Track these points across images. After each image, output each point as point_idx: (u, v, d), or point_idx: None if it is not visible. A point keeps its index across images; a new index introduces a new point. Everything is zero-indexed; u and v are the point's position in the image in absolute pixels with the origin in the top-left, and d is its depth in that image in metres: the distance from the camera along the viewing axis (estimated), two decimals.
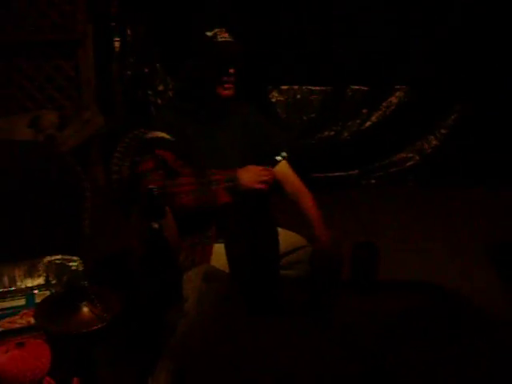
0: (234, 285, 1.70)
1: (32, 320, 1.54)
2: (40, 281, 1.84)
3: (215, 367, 1.40)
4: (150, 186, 1.50)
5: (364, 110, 4.86)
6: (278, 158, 2.64)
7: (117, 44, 4.70)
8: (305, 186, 2.64)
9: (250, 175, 2.30)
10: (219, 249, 2.16)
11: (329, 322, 1.70)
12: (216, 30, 2.44)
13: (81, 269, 1.71)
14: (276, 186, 2.63)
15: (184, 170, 2.26)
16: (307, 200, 2.58)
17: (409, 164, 4.92)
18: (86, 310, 1.23)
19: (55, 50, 4.51)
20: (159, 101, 4.65)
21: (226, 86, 2.46)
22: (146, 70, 4.73)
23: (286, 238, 2.44)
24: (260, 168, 2.34)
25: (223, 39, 2.42)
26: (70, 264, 1.78)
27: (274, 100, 4.83)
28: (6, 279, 1.83)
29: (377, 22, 4.64)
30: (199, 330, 1.49)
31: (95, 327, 1.21)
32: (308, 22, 4.68)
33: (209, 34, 2.44)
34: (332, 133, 4.89)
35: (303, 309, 1.80)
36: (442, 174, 4.81)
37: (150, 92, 4.71)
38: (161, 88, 4.69)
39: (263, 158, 2.61)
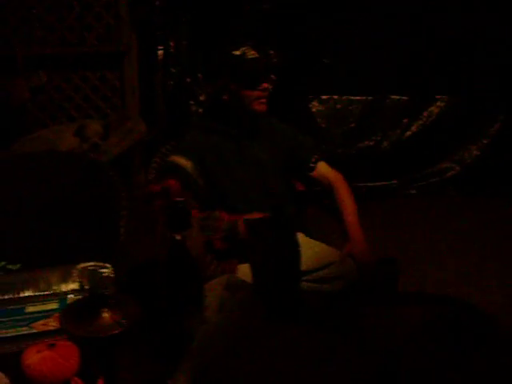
0: (256, 294, 1.75)
1: None
2: (74, 286, 1.92)
3: (233, 371, 1.46)
4: (177, 199, 1.57)
5: (404, 120, 4.86)
6: (313, 163, 2.65)
7: (160, 53, 4.81)
8: (346, 183, 2.64)
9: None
10: (244, 268, 2.22)
11: (343, 332, 1.74)
12: (243, 49, 2.49)
13: (112, 276, 1.79)
14: (322, 188, 2.67)
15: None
16: (348, 199, 2.58)
17: (449, 174, 4.90)
18: (106, 315, 1.31)
19: (101, 61, 4.67)
20: (201, 110, 4.76)
21: (262, 100, 2.51)
22: (188, 80, 4.83)
23: (321, 252, 2.47)
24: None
25: (252, 56, 2.48)
26: (102, 271, 1.86)
27: (314, 110, 4.88)
28: (42, 284, 1.93)
29: (416, 32, 4.65)
30: (219, 335, 1.55)
31: (113, 332, 1.28)
32: (349, 32, 4.72)
33: (237, 52, 2.49)
34: (372, 142, 4.90)
35: (324, 321, 1.84)
36: (483, 184, 4.77)
37: (191, 102, 4.81)
38: (202, 98, 4.79)
39: (298, 163, 2.66)
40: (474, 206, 4.53)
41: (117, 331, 1.29)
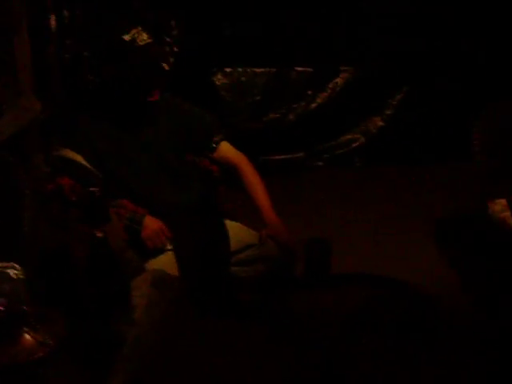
0: (183, 289, 1.64)
1: None
2: None
3: (168, 375, 1.35)
4: (92, 189, 1.42)
5: (309, 92, 4.82)
6: (215, 143, 2.58)
7: (53, 24, 4.50)
8: (251, 164, 2.61)
9: (152, 229, 2.19)
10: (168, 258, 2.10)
11: (280, 322, 1.67)
12: (133, 32, 2.30)
13: (22, 277, 1.61)
14: (226, 168, 2.60)
15: (78, 200, 2.12)
16: (256, 182, 2.54)
17: (355, 145, 4.92)
18: (27, 336, 1.13)
19: None
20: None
21: (153, 92, 2.37)
22: (86, 53, 4.55)
23: (239, 233, 2.39)
24: (163, 228, 2.22)
25: (143, 42, 2.30)
26: (9, 271, 1.68)
27: (218, 83, 4.74)
28: None
29: (322, 3, 4.60)
30: (150, 339, 1.43)
31: (38, 355, 1.11)
32: (252, 2, 4.61)
33: (127, 37, 2.29)
34: (278, 115, 4.84)
35: (253, 309, 1.76)
36: (388, 154, 4.84)
37: (90, 76, 4.54)
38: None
39: (199, 144, 2.56)
40: (380, 175, 4.59)
41: (42, 354, 1.13)
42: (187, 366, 1.40)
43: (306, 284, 1.99)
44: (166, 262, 2.08)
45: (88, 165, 2.25)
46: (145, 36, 2.28)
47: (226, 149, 2.61)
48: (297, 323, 1.64)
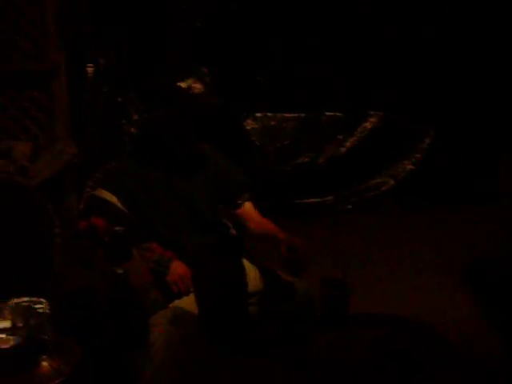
0: (202, 326, 1.67)
1: None
2: (6, 324, 1.79)
3: None
4: (116, 228, 1.48)
5: (339, 136, 4.88)
6: (241, 200, 2.63)
7: (90, 71, 4.67)
8: (271, 222, 2.63)
9: (178, 274, 2.24)
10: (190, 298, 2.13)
11: (302, 360, 1.68)
12: (189, 82, 2.40)
13: (47, 312, 1.68)
14: (242, 226, 2.63)
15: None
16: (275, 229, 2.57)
17: (384, 188, 4.94)
18: (45, 364, 1.19)
19: (28, 80, 4.48)
20: (133, 130, 4.63)
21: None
22: (120, 99, 4.71)
23: (267, 275, 2.40)
24: (188, 273, 2.28)
25: (198, 91, 2.39)
26: (37, 306, 1.74)
27: (248, 128, 4.84)
28: None
29: (350, 48, 4.70)
30: (166, 376, 1.46)
31: (54, 382, 1.16)
32: (282, 49, 4.73)
33: (183, 85, 2.38)
34: (307, 159, 4.91)
35: (275, 346, 1.78)
36: (417, 197, 4.85)
37: (123, 121, 4.68)
38: (135, 117, 4.67)
39: (226, 197, 2.61)
40: (409, 219, 4.59)
41: (57, 381, 1.18)
42: None
43: (324, 324, 2.00)
44: (186, 300, 2.12)
45: (122, 207, 2.30)
46: (199, 85, 2.38)
47: (248, 208, 2.64)
48: (313, 363, 1.65)
